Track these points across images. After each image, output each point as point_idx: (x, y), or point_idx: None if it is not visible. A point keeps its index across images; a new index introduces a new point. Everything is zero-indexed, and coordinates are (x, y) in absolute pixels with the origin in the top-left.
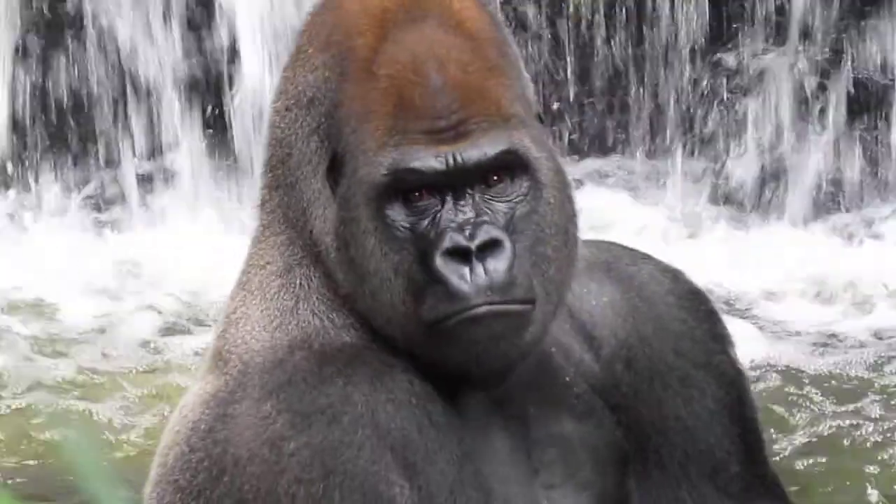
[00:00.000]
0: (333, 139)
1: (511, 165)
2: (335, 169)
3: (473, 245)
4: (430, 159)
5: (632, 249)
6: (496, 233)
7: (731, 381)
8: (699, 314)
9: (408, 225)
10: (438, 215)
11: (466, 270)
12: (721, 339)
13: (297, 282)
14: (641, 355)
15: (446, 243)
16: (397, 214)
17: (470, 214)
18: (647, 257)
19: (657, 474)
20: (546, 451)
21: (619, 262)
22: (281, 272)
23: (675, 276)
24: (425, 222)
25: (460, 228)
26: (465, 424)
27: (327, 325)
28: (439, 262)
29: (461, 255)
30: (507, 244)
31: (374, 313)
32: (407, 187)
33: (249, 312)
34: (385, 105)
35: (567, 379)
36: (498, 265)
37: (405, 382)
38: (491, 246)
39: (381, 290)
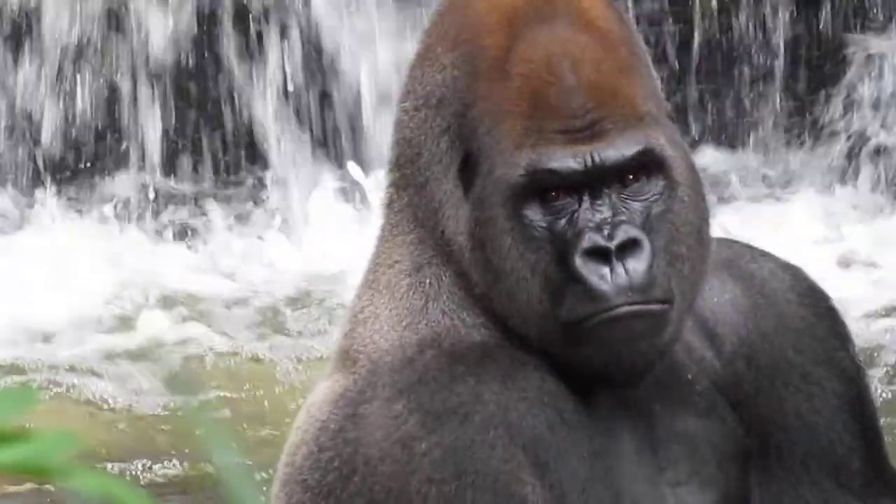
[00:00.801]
0: (465, 139)
1: (647, 165)
2: (467, 169)
3: (613, 245)
4: (567, 160)
5: (752, 247)
6: (635, 232)
7: (852, 377)
8: (819, 311)
9: (545, 224)
10: (576, 215)
11: (606, 270)
12: (841, 337)
13: (427, 281)
14: (763, 352)
15: (585, 243)
16: (534, 214)
17: (607, 214)
18: (766, 255)
19: (778, 471)
20: (671, 449)
21: (739, 259)
22: (410, 271)
23: (795, 273)
24: (562, 222)
25: (598, 228)
26: (595, 423)
27: (457, 324)
28: (579, 261)
29: (601, 254)
30: (646, 244)
31: (511, 313)
32: (544, 187)
33: (378, 311)
34: (520, 104)
35: (689, 376)
36: (637, 265)
37: (537, 381)
38: (630, 246)
39: (517, 289)
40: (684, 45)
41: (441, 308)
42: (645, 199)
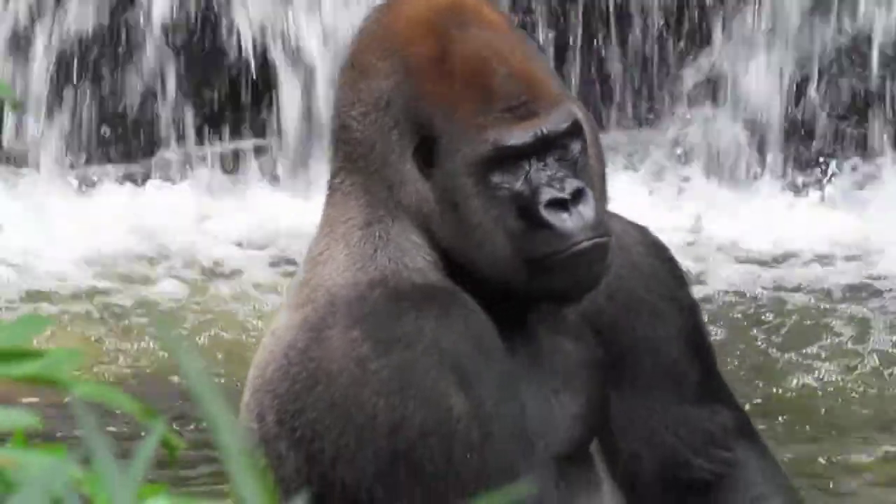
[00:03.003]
0: (418, 129)
1: (574, 132)
2: (423, 151)
3: (567, 195)
4: (521, 135)
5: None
6: (578, 183)
7: (689, 311)
8: (663, 260)
9: (507, 185)
10: (529, 175)
11: (566, 215)
12: (680, 279)
13: (377, 234)
14: (620, 291)
15: (546, 196)
16: (497, 178)
17: (552, 172)
18: (619, 216)
19: (631, 384)
20: (553, 364)
21: None
22: (362, 226)
23: (642, 230)
24: (519, 182)
25: (550, 184)
26: (505, 348)
27: (400, 269)
28: (544, 211)
29: (559, 204)
30: (588, 191)
31: (479, 258)
32: (504, 157)
33: (334, 255)
34: (468, 93)
35: (564, 310)
36: (587, 209)
37: (463, 317)
38: (578, 194)
39: (486, 239)
40: None
41: (388, 255)
42: (572, 159)
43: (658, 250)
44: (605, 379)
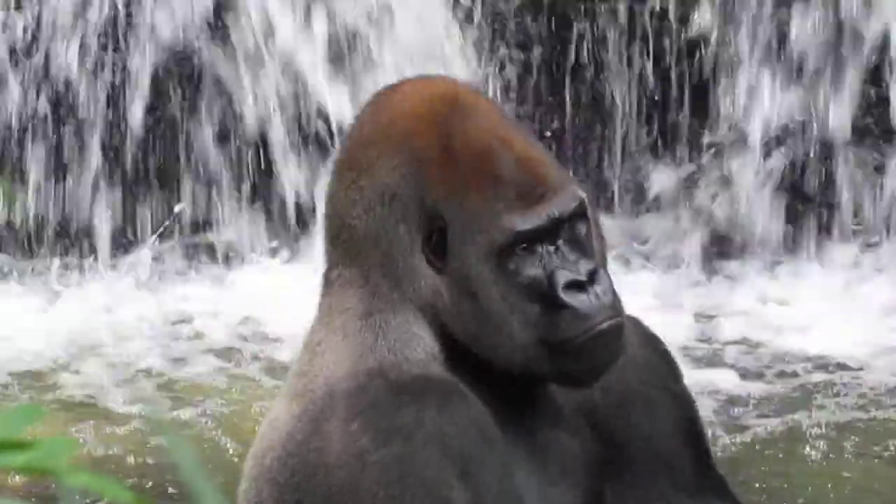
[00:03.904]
0: (427, 221)
1: (581, 213)
2: (433, 243)
3: (583, 277)
4: (535, 219)
5: None
6: (592, 264)
7: (684, 402)
8: (657, 352)
9: (523, 271)
10: (543, 259)
11: (585, 297)
12: (674, 371)
13: (377, 325)
14: (614, 383)
15: (563, 279)
16: (514, 264)
17: (565, 254)
18: None
19: (627, 476)
20: (551, 457)
21: None
22: (362, 316)
23: (636, 322)
24: (535, 267)
25: (564, 266)
26: (504, 438)
27: (400, 360)
28: (564, 294)
29: (577, 286)
30: (602, 271)
31: (496, 346)
32: (519, 243)
33: (332, 346)
34: (477, 181)
35: (560, 403)
36: (604, 289)
37: (464, 408)
38: (593, 275)
39: (504, 325)
40: None
41: (387, 346)
42: (581, 240)
43: (651, 342)
44: (601, 473)
